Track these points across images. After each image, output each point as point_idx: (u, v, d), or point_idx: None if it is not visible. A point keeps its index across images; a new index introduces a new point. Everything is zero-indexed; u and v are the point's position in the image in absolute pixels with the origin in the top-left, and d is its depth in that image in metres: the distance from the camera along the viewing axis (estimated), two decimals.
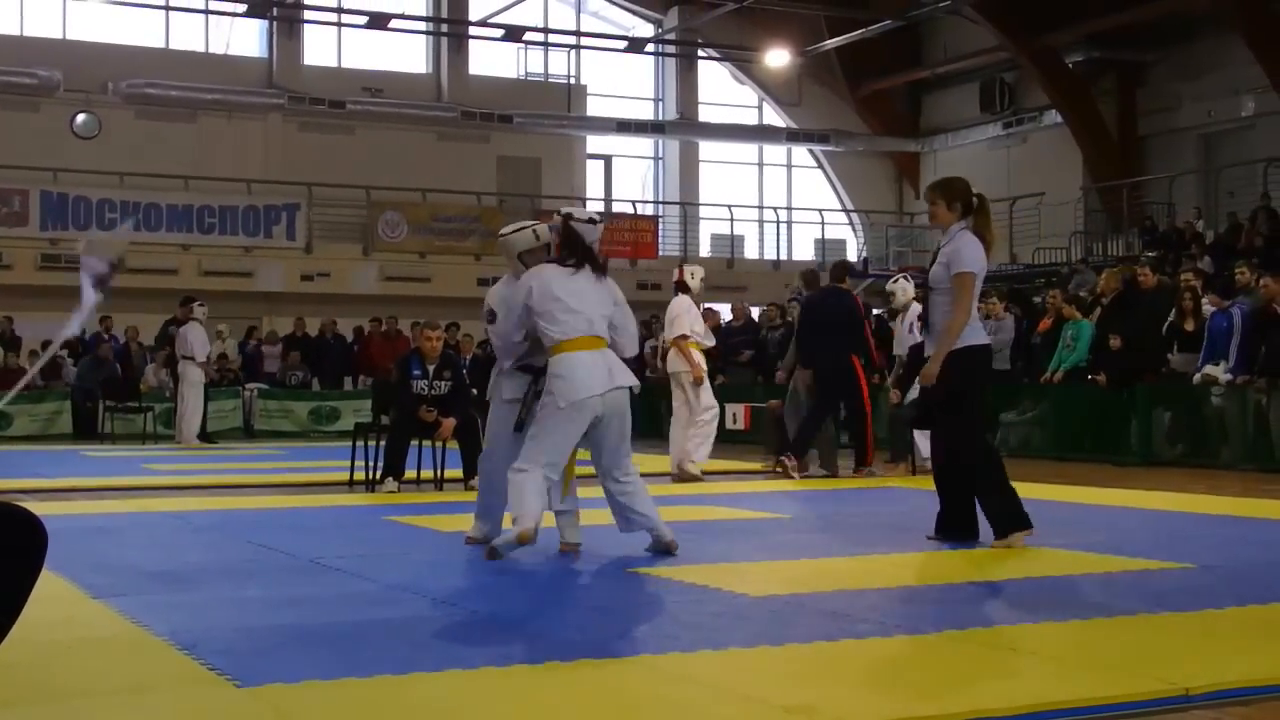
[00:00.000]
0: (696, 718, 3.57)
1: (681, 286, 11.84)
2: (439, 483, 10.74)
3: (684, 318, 11.75)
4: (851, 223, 30.43)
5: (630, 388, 6.62)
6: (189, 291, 19.95)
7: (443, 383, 10.59)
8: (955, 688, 3.90)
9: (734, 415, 16.13)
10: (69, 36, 24.53)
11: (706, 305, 22.68)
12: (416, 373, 10.59)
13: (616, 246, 26.59)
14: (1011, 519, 6.97)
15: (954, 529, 7.18)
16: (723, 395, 15.43)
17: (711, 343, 12.80)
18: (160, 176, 23.28)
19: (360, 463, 10.59)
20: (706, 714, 3.62)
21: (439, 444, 10.73)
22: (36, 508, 3.66)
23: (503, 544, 6.48)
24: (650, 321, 22.73)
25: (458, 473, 10.57)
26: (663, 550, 6.64)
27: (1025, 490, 10.53)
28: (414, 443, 10.63)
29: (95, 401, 18.84)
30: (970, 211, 7.08)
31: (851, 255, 29.40)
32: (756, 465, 13.00)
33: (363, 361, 21.64)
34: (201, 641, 4.46)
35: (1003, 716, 3.61)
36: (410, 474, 10.69)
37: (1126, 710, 3.69)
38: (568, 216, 6.78)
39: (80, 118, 23.60)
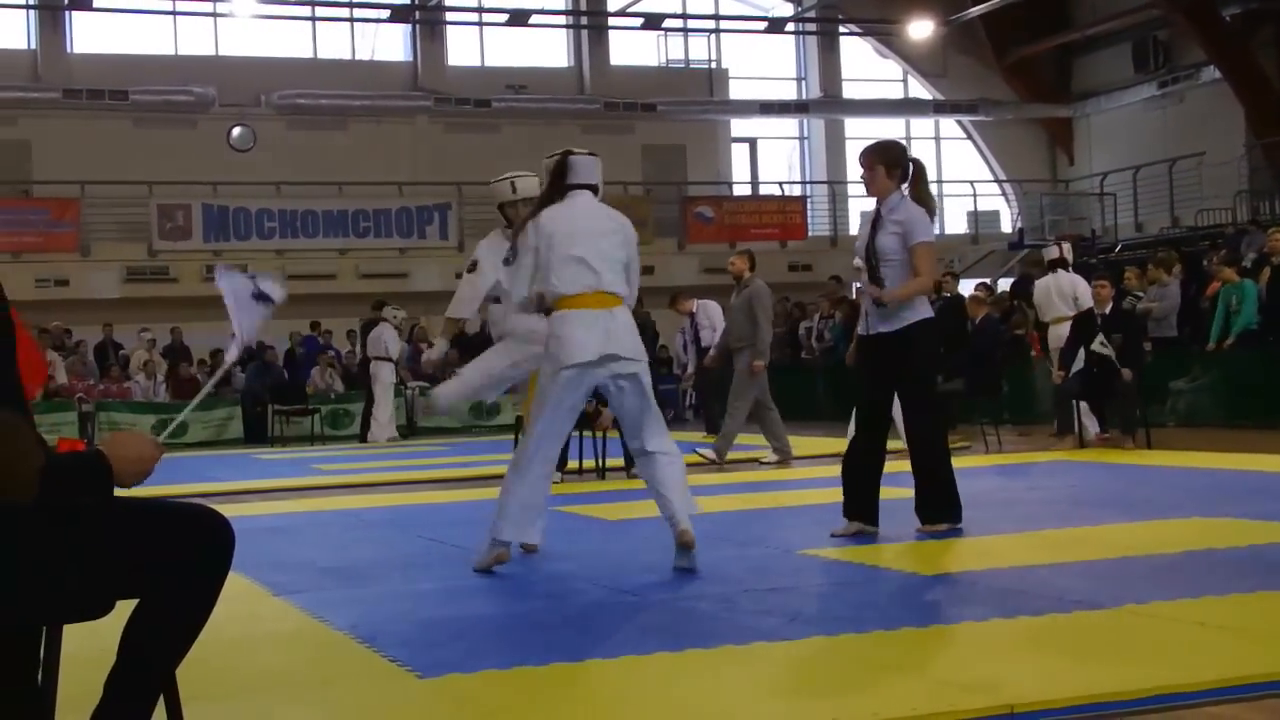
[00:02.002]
0: (874, 697, 3.54)
1: (1062, 263, 12.11)
2: (600, 472, 10.85)
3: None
4: (1005, 193, 29.84)
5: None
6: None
7: None
8: (1140, 663, 3.80)
9: None
10: (221, 53, 25.21)
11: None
12: None
13: (765, 229, 26.49)
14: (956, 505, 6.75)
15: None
16: None
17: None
18: (314, 184, 23.81)
19: None
20: (885, 693, 3.58)
21: (599, 434, 10.80)
22: None
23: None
24: (805, 305, 22.56)
25: (619, 461, 10.64)
26: None
27: (1197, 460, 10.31)
28: (574, 433, 10.69)
29: (264, 406, 19.37)
30: (907, 179, 6.78)
31: (1005, 226, 28.85)
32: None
33: None
34: (380, 634, 4.57)
35: (1191, 692, 3.50)
36: (573, 464, 10.80)
37: None
38: (567, 152, 6.07)
39: (236, 131, 24.25)
